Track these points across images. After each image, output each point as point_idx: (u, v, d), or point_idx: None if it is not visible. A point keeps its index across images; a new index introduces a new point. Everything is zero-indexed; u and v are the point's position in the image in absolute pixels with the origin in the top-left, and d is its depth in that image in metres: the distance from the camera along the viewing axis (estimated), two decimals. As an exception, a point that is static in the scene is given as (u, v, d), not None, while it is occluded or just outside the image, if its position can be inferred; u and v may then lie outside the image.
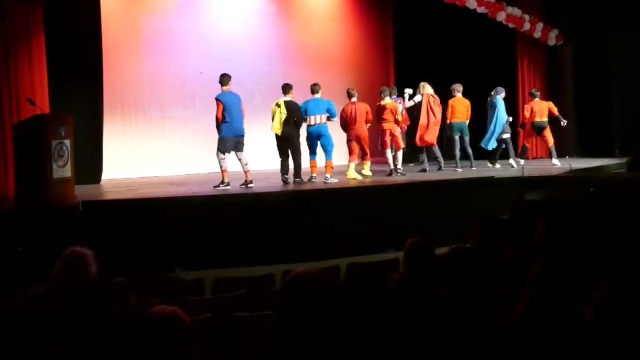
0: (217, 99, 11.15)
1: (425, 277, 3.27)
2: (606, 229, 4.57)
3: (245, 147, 11.35)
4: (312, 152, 12.04)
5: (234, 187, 11.10)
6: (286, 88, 11.67)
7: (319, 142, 11.98)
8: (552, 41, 16.99)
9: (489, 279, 3.66)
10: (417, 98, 13.77)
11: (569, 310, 3.02)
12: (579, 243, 4.46)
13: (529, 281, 3.37)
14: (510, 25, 16.23)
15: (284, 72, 15.25)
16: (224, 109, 11.06)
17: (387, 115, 12.94)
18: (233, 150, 11.22)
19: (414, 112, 13.83)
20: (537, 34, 16.68)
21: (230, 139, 11.12)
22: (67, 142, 9.41)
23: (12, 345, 4.06)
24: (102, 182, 12.78)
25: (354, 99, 12.67)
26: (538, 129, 14.56)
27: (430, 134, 13.63)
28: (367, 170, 12.73)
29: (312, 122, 11.85)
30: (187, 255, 8.46)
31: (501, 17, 15.89)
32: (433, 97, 13.69)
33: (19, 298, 5.53)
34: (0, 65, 10.73)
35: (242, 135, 11.22)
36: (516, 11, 16.13)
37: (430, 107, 13.62)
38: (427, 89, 13.74)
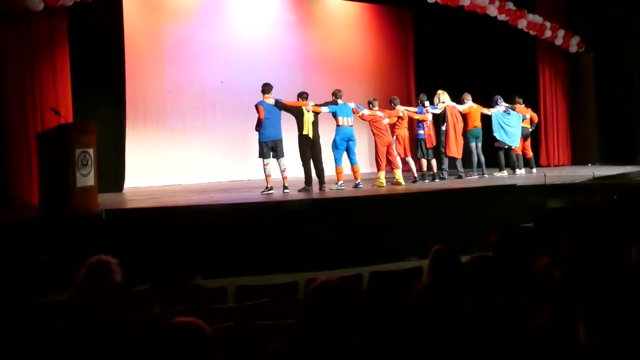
0: (258, 105, 11.47)
1: (450, 285, 3.27)
2: (630, 236, 4.53)
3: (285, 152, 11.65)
4: (340, 158, 12.14)
5: (277, 192, 11.37)
6: (305, 95, 11.88)
7: (347, 145, 12.14)
8: (573, 48, 16.92)
9: (511, 287, 3.65)
10: (440, 106, 13.72)
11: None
12: (602, 252, 4.43)
13: (552, 292, 3.36)
14: (532, 32, 16.18)
15: (304, 81, 15.30)
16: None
17: (400, 122, 13.05)
18: (273, 155, 11.51)
19: (439, 122, 13.80)
20: (559, 41, 16.62)
21: (266, 143, 11.43)
22: (91, 151, 9.47)
23: (38, 353, 4.10)
24: (124, 191, 12.89)
25: (376, 108, 12.70)
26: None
27: (459, 147, 13.68)
28: (383, 180, 12.69)
29: (347, 124, 12.08)
30: (209, 263, 8.49)
31: (522, 24, 15.85)
32: (454, 107, 13.72)
33: (44, 306, 5.58)
34: (25, 76, 10.84)
35: (279, 139, 11.52)
36: (537, 18, 16.08)
37: (455, 118, 13.67)
38: (445, 97, 13.76)
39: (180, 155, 14.51)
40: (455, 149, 13.67)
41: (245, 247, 8.98)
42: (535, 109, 16.10)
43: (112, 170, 12.59)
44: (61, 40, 11.23)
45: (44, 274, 7.75)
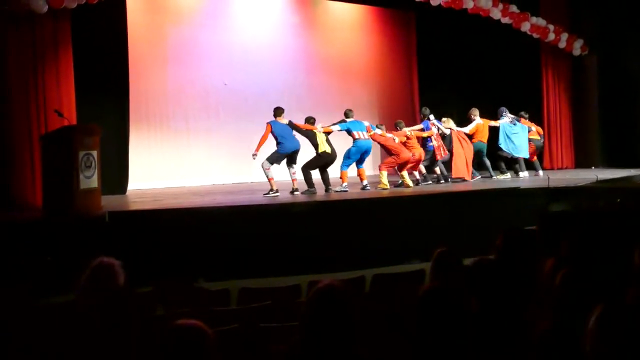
0: (268, 123, 11.69)
1: (453, 287, 3.27)
2: (633, 240, 4.53)
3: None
4: (347, 165, 12.28)
5: (282, 195, 11.47)
6: (312, 120, 12.17)
7: (361, 157, 12.34)
8: (577, 51, 16.90)
9: (514, 290, 3.64)
10: (445, 130, 13.75)
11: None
12: (605, 255, 4.43)
13: (554, 295, 3.36)
14: (535, 35, 16.17)
15: (308, 83, 15.32)
16: (275, 134, 11.63)
17: (409, 142, 13.08)
18: (287, 162, 11.86)
19: (445, 144, 13.84)
20: (562, 44, 16.60)
21: (284, 155, 11.76)
22: (94, 153, 9.48)
23: (41, 355, 4.11)
24: (127, 193, 12.86)
25: (384, 130, 12.84)
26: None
27: (468, 169, 13.72)
28: (385, 181, 12.71)
29: (363, 137, 12.24)
30: (212, 266, 8.49)
31: (525, 27, 15.84)
32: (459, 132, 13.76)
33: (47, 307, 5.59)
34: (28, 78, 10.84)
35: (298, 149, 11.85)
36: (541, 21, 16.07)
37: (464, 141, 13.70)
38: (451, 124, 13.82)
39: (184, 157, 14.51)
40: (464, 171, 13.68)
41: (248, 249, 8.99)
42: (539, 112, 16.13)
43: (116, 172, 12.58)
44: (65, 42, 11.24)
45: (47, 275, 7.76)
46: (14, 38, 10.70)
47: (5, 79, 10.71)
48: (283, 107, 11.97)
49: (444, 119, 13.89)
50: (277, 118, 11.76)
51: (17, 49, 10.72)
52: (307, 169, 11.92)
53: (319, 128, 11.93)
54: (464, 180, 13.73)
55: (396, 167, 12.83)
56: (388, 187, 12.50)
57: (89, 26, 11.80)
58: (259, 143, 11.60)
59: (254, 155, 11.58)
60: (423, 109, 14.11)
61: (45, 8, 10.42)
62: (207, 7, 15.13)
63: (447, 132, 13.70)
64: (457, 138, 13.69)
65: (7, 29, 10.63)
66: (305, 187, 11.80)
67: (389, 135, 12.76)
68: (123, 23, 12.92)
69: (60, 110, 10.33)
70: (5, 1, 10.34)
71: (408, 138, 13.02)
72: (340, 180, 12.12)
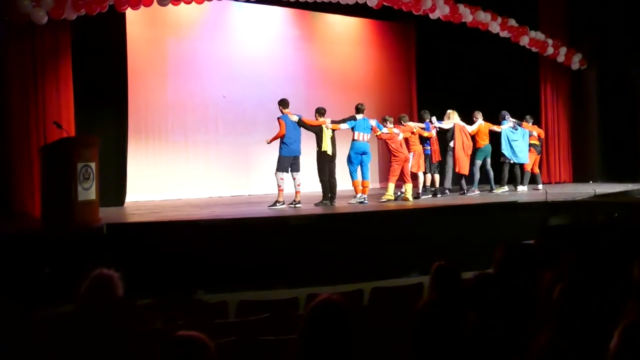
0: (280, 119, 11.63)
1: (453, 301, 3.27)
2: (631, 254, 4.53)
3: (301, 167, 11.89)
4: (355, 171, 12.29)
5: (285, 207, 11.49)
6: (323, 110, 12.06)
7: (360, 159, 12.30)
8: (575, 65, 16.96)
9: (514, 304, 3.65)
10: (448, 125, 13.79)
11: (595, 338, 3.01)
12: (604, 269, 4.43)
13: (552, 309, 3.36)
14: (534, 49, 16.22)
15: (307, 95, 15.33)
16: (285, 131, 11.56)
17: (413, 138, 13.13)
18: (290, 169, 11.68)
19: (446, 138, 13.87)
20: (561, 58, 16.65)
21: (288, 158, 11.62)
22: (93, 164, 9.47)
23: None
24: (125, 205, 12.85)
25: (392, 126, 12.79)
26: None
27: (465, 163, 13.75)
28: (391, 192, 12.74)
29: (362, 139, 12.25)
30: (211, 278, 8.48)
31: (524, 41, 15.89)
32: (463, 127, 13.78)
33: (46, 318, 5.57)
34: (28, 89, 10.86)
35: (298, 156, 11.75)
36: (539, 35, 16.12)
37: (465, 136, 13.73)
38: (455, 117, 13.83)
39: (182, 169, 14.50)
40: (465, 167, 13.74)
41: (246, 261, 8.97)
42: (537, 125, 16.12)
43: (114, 184, 12.57)
44: (64, 53, 11.27)
45: (46, 286, 7.74)
46: (14, 49, 10.73)
47: (5, 89, 10.74)
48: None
49: (449, 111, 13.94)
50: (285, 111, 11.71)
51: (17, 60, 10.76)
52: (322, 176, 11.92)
53: (328, 123, 11.87)
54: (462, 192, 13.77)
55: (401, 178, 12.81)
56: (393, 198, 12.55)
57: (88, 38, 11.82)
58: (275, 136, 11.63)
59: (268, 142, 11.73)
60: (422, 112, 14.17)
61: (46, 19, 10.45)
62: (207, 19, 15.15)
63: (451, 125, 13.72)
64: (459, 132, 13.72)
65: (8, 40, 10.67)
66: (320, 198, 11.91)
67: (396, 131, 12.75)
68: (122, 35, 12.94)
69: (59, 122, 10.35)
70: (5, 12, 10.37)
71: (413, 134, 13.13)
72: (354, 191, 12.26)
